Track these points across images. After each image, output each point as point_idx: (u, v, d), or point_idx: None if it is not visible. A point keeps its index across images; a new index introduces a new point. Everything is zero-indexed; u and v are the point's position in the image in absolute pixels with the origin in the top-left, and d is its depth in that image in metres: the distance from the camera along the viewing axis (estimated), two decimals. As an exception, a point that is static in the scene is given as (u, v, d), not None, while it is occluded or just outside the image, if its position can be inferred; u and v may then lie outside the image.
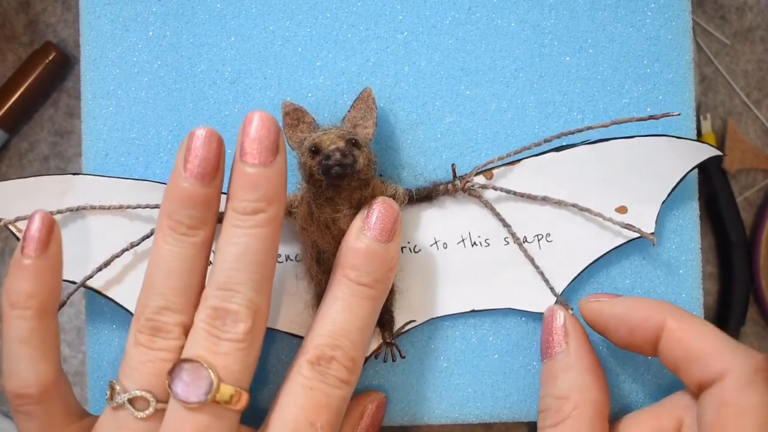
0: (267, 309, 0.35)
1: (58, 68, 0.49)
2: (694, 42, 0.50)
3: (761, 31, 0.51)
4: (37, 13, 0.50)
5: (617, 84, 0.39)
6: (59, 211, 0.38)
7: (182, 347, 0.34)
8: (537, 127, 0.39)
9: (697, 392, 0.34)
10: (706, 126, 0.50)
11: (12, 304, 0.34)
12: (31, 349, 0.34)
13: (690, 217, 0.40)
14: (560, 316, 0.37)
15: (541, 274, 0.39)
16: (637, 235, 0.38)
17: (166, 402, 0.34)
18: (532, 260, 0.39)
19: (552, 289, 0.39)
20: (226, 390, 0.33)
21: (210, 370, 0.33)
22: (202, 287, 0.34)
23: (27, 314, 0.34)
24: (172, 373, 0.33)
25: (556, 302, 0.39)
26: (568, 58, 0.40)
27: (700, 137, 0.49)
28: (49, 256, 0.34)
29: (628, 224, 0.38)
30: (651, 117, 0.38)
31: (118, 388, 0.34)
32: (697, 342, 0.34)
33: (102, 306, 0.40)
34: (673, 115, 0.37)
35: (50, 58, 0.48)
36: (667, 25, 0.40)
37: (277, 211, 0.34)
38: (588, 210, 0.38)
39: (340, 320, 0.35)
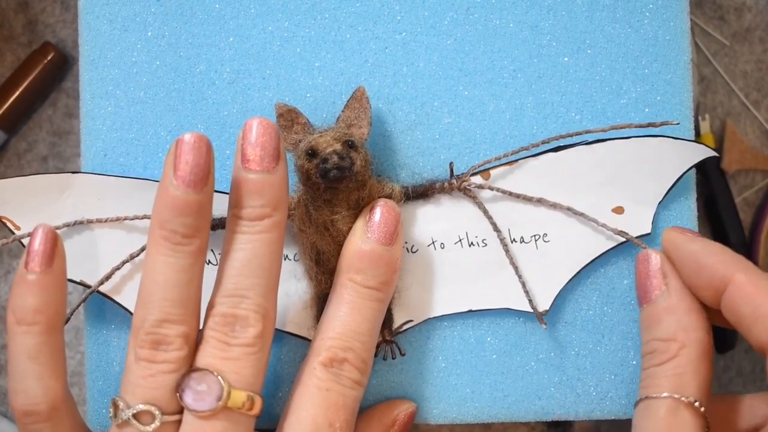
0: (275, 314, 0.35)
1: (56, 68, 0.49)
2: (693, 42, 0.50)
3: (760, 32, 0.51)
4: (36, 13, 0.50)
5: (615, 84, 0.39)
6: (57, 228, 0.38)
7: (185, 357, 0.33)
8: (535, 127, 0.39)
9: (759, 351, 0.34)
10: (705, 126, 0.50)
11: (18, 321, 0.34)
12: (39, 366, 0.34)
13: (688, 217, 0.40)
14: (655, 258, 0.37)
15: (523, 284, 0.39)
16: (636, 233, 0.38)
17: (173, 414, 0.33)
18: (516, 267, 0.39)
19: (530, 301, 0.39)
20: (238, 395, 0.33)
21: (219, 377, 0.33)
22: (200, 296, 0.34)
23: (34, 330, 0.34)
24: (181, 384, 0.33)
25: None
26: (566, 59, 0.40)
27: (698, 138, 0.49)
28: (54, 271, 0.34)
29: (621, 231, 0.38)
30: (650, 124, 0.38)
31: (121, 404, 0.33)
32: (765, 301, 0.33)
33: (100, 306, 0.40)
34: (672, 124, 0.38)
35: (49, 58, 0.48)
36: (666, 26, 0.40)
37: (281, 216, 0.34)
38: (582, 214, 0.38)
39: (349, 322, 0.35)
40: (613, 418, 0.40)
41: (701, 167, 0.39)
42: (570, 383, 0.39)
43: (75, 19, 0.40)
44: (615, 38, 0.40)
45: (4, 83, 0.49)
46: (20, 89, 0.48)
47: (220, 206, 0.35)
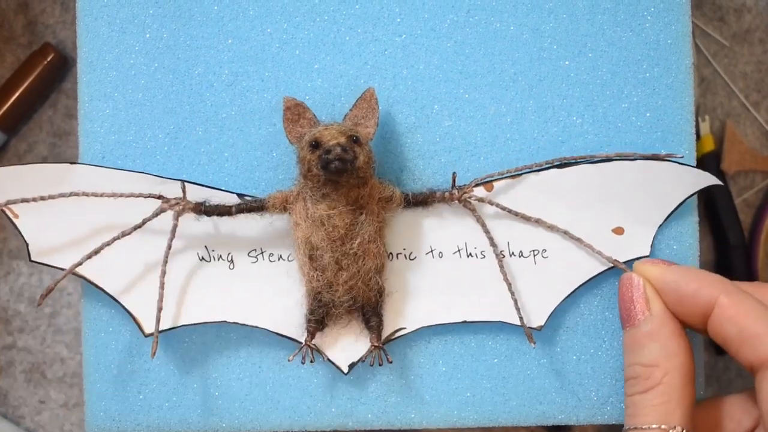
0: None
1: (56, 70, 0.49)
2: (693, 44, 0.50)
3: (760, 33, 0.51)
4: (36, 14, 0.50)
5: (616, 88, 0.39)
6: (51, 196, 0.37)
7: None
8: (536, 131, 0.39)
9: (750, 370, 0.34)
10: (705, 128, 0.50)
11: None
12: None
13: (689, 224, 0.40)
14: (638, 282, 0.37)
15: (515, 301, 0.38)
16: (635, 255, 0.38)
17: None
18: (509, 284, 0.38)
19: (521, 318, 0.38)
20: None
21: None
22: None
23: None
24: None
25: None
26: (567, 62, 0.39)
27: (698, 139, 0.49)
28: None
29: (614, 260, 0.38)
30: (654, 156, 0.38)
31: None
32: (751, 322, 0.34)
33: (98, 309, 0.40)
34: (676, 157, 0.38)
35: (49, 59, 0.48)
36: (667, 30, 0.39)
37: None
38: (579, 240, 0.38)
39: None
40: (614, 422, 0.40)
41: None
42: (571, 388, 0.39)
43: (75, 21, 0.40)
44: (616, 42, 0.39)
45: (4, 84, 0.49)
46: (20, 90, 0.48)
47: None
